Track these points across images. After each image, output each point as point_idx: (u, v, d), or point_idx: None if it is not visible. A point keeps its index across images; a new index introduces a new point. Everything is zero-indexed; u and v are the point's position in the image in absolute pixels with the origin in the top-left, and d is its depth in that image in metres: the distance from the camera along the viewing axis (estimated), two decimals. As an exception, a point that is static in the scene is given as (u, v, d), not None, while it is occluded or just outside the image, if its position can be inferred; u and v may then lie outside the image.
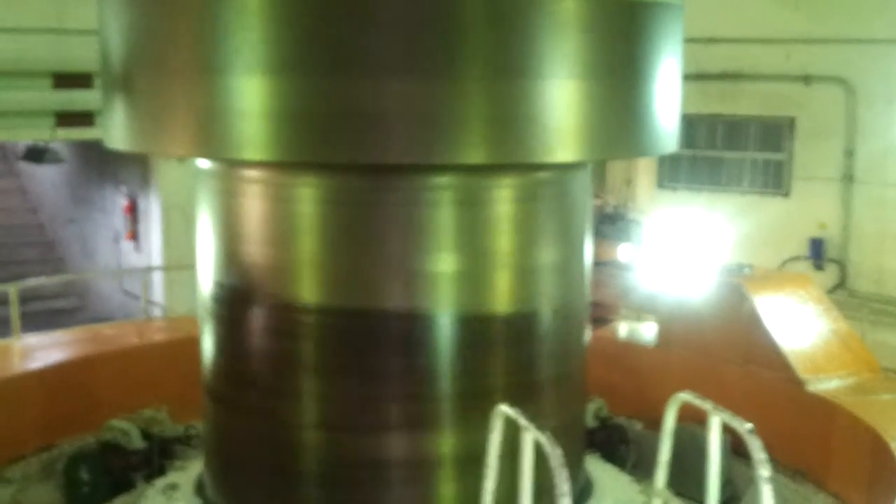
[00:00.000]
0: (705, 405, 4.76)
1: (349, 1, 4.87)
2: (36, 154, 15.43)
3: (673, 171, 16.19)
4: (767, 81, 15.11)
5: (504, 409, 4.61)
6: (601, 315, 9.64)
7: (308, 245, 5.66)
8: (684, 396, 4.96)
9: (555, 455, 4.14)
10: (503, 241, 5.75)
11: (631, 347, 9.30)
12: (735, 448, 7.81)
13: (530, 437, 4.36)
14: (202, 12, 5.10)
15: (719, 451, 4.82)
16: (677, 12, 5.75)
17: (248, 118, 5.07)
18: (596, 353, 7.40)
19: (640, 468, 7.83)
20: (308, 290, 5.69)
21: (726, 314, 8.41)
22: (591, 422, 8.31)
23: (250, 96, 5.05)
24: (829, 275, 14.78)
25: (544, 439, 4.23)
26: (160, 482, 6.95)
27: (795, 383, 7.82)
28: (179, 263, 13.45)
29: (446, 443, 5.76)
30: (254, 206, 5.75)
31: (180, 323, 10.37)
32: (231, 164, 5.75)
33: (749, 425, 4.43)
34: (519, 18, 4.99)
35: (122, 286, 17.60)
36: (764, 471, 4.29)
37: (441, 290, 5.62)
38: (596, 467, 6.95)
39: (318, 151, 5.08)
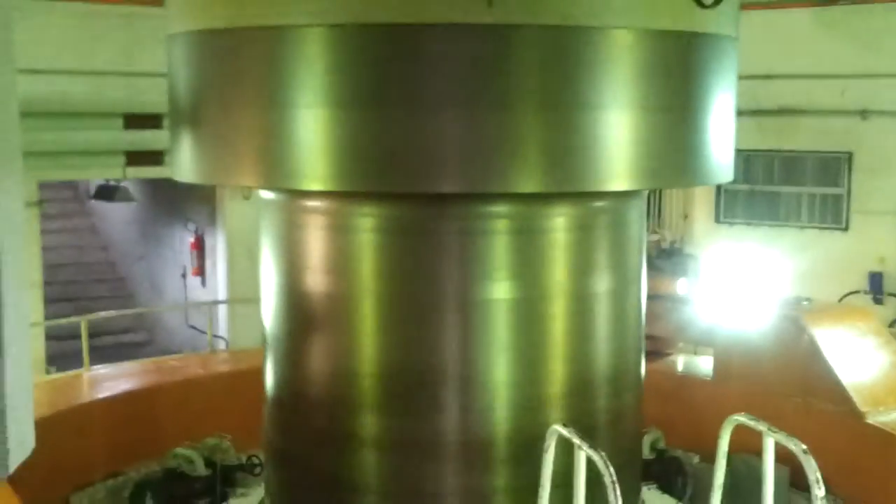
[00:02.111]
0: (759, 426, 4.77)
1: (406, 38, 5.03)
2: (107, 193, 15.87)
3: (730, 206, 16.12)
4: (824, 116, 14.99)
5: (558, 428, 4.67)
6: (658, 348, 9.61)
7: (366, 273, 5.79)
8: (738, 418, 4.97)
9: (608, 473, 4.19)
10: (558, 269, 5.83)
11: (688, 380, 9.26)
12: (794, 481, 7.77)
13: (584, 455, 4.41)
14: (268, 52, 5.30)
15: (773, 473, 4.83)
16: (732, 44, 5.83)
17: (310, 150, 5.26)
18: (653, 386, 7.40)
19: (697, 501, 7.80)
20: (366, 318, 5.83)
21: (785, 347, 8.35)
22: (647, 453, 8.29)
23: (312, 129, 5.23)
24: (889, 309, 14.54)
25: (597, 457, 4.27)
26: (222, 508, 7.10)
27: (855, 416, 7.74)
28: (244, 297, 13.70)
29: (500, 476, 5.82)
30: (314, 235, 5.92)
31: (244, 355, 10.54)
32: (293, 195, 5.93)
33: (803, 446, 4.45)
34: (573, 51, 5.11)
35: (188, 321, 17.92)
36: (818, 491, 4.29)
37: (496, 318, 5.72)
38: (652, 498, 6.96)
39: (377, 181, 5.23)
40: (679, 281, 10.93)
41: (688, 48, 5.51)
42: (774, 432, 4.67)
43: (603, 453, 4.28)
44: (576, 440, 4.45)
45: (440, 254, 5.67)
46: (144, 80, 13.31)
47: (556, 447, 4.76)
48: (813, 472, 4.34)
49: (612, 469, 4.18)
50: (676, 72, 5.48)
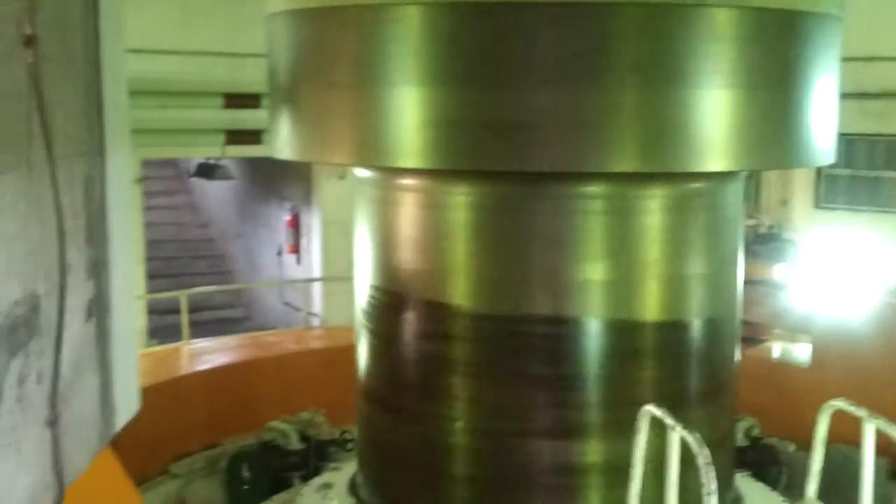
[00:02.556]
0: (860, 412, 4.66)
1: (502, 15, 5.01)
2: (207, 171, 16.15)
3: (831, 192, 15.74)
4: (928, 99, 14.57)
5: (650, 409, 4.63)
6: (754, 334, 9.47)
7: (460, 252, 5.80)
8: (837, 403, 4.87)
9: (702, 454, 4.15)
10: (653, 250, 5.76)
11: (784, 367, 9.10)
12: (892, 473, 7.59)
13: (677, 436, 4.37)
14: (365, 29, 5.34)
15: (873, 460, 4.72)
16: (835, 23, 5.67)
17: (405, 128, 5.28)
18: (749, 373, 7.29)
19: (792, 490, 7.66)
20: (459, 295, 5.83)
21: (887, 335, 8.15)
22: (742, 441, 8.18)
23: (408, 107, 5.26)
24: None
25: (691, 439, 4.23)
26: (315, 481, 7.21)
27: (959, 408, 7.51)
28: (338, 276, 13.88)
29: (593, 451, 5.81)
30: (409, 213, 5.96)
31: (338, 332, 10.70)
32: (388, 173, 5.98)
33: None
34: (673, 28, 5.03)
35: (283, 298, 18.22)
36: None
37: (589, 298, 5.69)
38: (746, 485, 6.86)
39: (471, 159, 5.24)
40: (776, 267, 10.73)
41: (790, 27, 5.38)
42: (875, 418, 4.56)
43: (697, 434, 4.23)
44: (669, 421, 4.42)
45: (533, 233, 5.65)
46: (244, 60, 13.53)
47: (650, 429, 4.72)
48: None
49: (706, 450, 4.13)
50: (777, 51, 5.35)
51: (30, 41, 3.22)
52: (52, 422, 3.50)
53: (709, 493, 4.11)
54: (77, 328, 3.77)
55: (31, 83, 3.26)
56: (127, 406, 4.35)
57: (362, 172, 6.25)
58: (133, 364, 4.48)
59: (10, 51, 3.16)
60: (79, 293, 3.78)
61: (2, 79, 3.13)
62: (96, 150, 4.08)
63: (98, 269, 4.02)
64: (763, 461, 8.29)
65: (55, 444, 3.52)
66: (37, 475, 3.44)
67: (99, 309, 4.02)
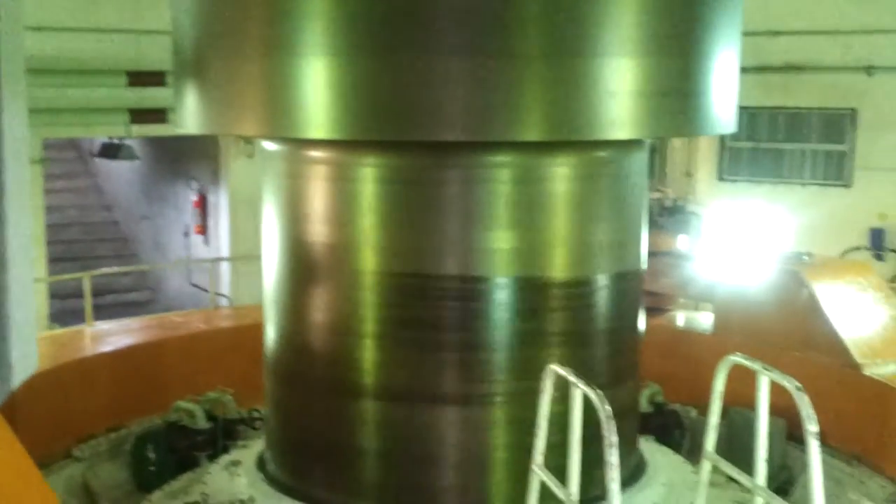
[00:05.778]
0: (754, 365, 4.80)
1: None
2: (111, 150, 15.86)
3: (734, 164, 16.14)
4: (829, 73, 15.00)
5: (554, 367, 4.69)
6: (659, 305, 9.65)
7: (369, 223, 5.79)
8: (734, 358, 4.99)
9: (604, 409, 4.22)
10: (559, 219, 5.84)
11: (687, 335, 9.30)
12: (791, 434, 7.83)
13: (580, 393, 4.43)
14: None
15: (768, 412, 4.86)
16: None
17: (312, 98, 5.25)
18: (653, 341, 7.44)
19: (695, 453, 7.83)
20: (369, 266, 5.85)
21: (785, 301, 8.39)
22: (646, 407, 8.34)
23: (314, 77, 5.23)
24: (890, 265, 14.61)
25: (593, 395, 4.30)
26: (223, 459, 7.13)
27: (853, 368, 7.78)
28: (246, 255, 13.75)
29: (499, 409, 5.85)
30: (318, 186, 5.91)
31: (246, 310, 10.59)
32: (297, 146, 5.93)
33: (797, 383, 4.48)
34: None
35: (191, 280, 17.99)
36: (812, 426, 4.32)
37: (497, 266, 5.73)
38: (650, 449, 7.00)
39: (378, 130, 5.23)
40: (681, 238, 10.95)
41: None
42: (769, 370, 4.70)
43: (599, 391, 4.30)
44: (571, 378, 4.48)
45: (442, 203, 5.67)
46: (149, 37, 13.33)
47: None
48: (806, 407, 4.37)
49: (607, 406, 4.20)
50: (679, 21, 5.45)
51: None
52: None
53: (610, 446, 4.18)
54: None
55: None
56: (25, 362, 4.26)
57: (270, 146, 6.19)
58: (30, 319, 4.38)
59: None
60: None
61: None
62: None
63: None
64: (666, 426, 8.48)
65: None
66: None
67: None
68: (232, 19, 5.51)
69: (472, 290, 5.69)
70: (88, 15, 13.63)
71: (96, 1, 13.70)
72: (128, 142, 15.81)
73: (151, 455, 8.37)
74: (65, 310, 14.91)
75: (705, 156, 16.35)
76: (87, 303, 10.01)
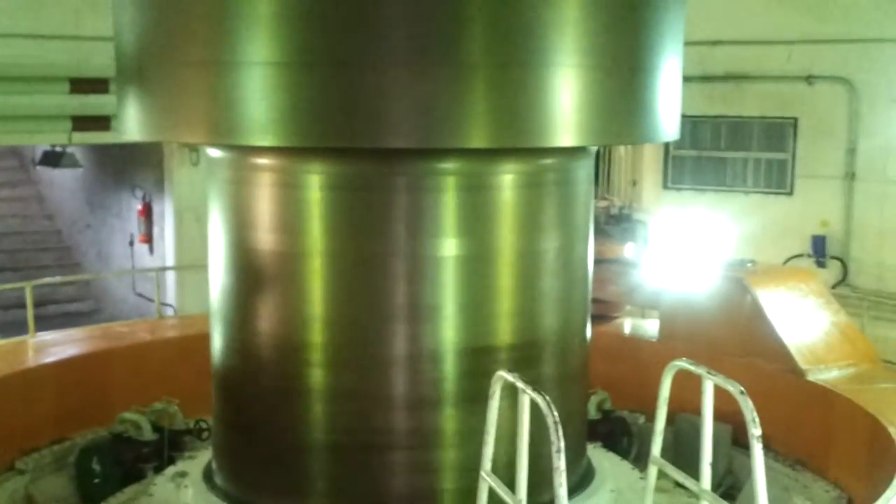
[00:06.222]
0: (699, 370, 4.86)
1: None
2: (53, 158, 15.63)
3: (678, 172, 16.34)
4: (771, 82, 15.25)
5: (503, 374, 4.70)
6: (606, 312, 9.72)
7: (315, 231, 5.78)
8: (679, 363, 5.05)
9: (551, 414, 4.23)
10: (505, 226, 5.86)
11: (634, 341, 9.37)
12: (736, 440, 7.92)
13: (527, 399, 4.44)
14: (213, 7, 5.25)
15: (712, 416, 4.91)
16: (679, 3, 5.88)
17: (256, 106, 5.21)
18: (600, 348, 7.49)
19: (642, 460, 7.90)
20: (315, 276, 5.82)
21: (729, 308, 8.49)
22: (594, 414, 8.39)
23: (258, 85, 5.19)
24: (832, 272, 14.87)
25: (541, 400, 4.31)
26: (169, 470, 7.08)
27: (796, 374, 7.89)
28: (192, 264, 13.61)
29: (449, 413, 5.86)
30: (264, 193, 5.88)
31: (192, 320, 10.48)
32: (242, 152, 5.89)
33: (741, 387, 4.54)
34: (520, 8, 5.12)
35: (136, 289, 17.77)
36: (755, 430, 4.38)
37: (443, 274, 5.74)
38: (598, 455, 7.05)
39: (324, 137, 5.22)
40: (627, 246, 11.04)
41: (635, 6, 5.55)
42: (713, 375, 4.76)
43: (546, 397, 4.32)
44: (520, 384, 4.49)
45: (388, 210, 5.67)
46: (91, 43, 13.14)
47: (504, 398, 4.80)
48: (749, 411, 4.43)
49: (555, 411, 4.22)
50: (623, 30, 5.51)
51: None
52: None
53: (558, 451, 4.19)
54: None
55: None
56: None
57: (215, 153, 6.14)
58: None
59: None
60: None
61: None
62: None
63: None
64: (614, 433, 8.53)
65: None
66: None
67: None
68: (175, 26, 5.47)
69: (419, 308, 5.70)
70: (29, 21, 13.43)
71: (38, 7, 13.49)
72: (70, 149, 15.59)
73: (96, 467, 8.26)
74: (6, 321, 14.66)
75: (650, 164, 16.53)
76: (30, 313, 9.84)
